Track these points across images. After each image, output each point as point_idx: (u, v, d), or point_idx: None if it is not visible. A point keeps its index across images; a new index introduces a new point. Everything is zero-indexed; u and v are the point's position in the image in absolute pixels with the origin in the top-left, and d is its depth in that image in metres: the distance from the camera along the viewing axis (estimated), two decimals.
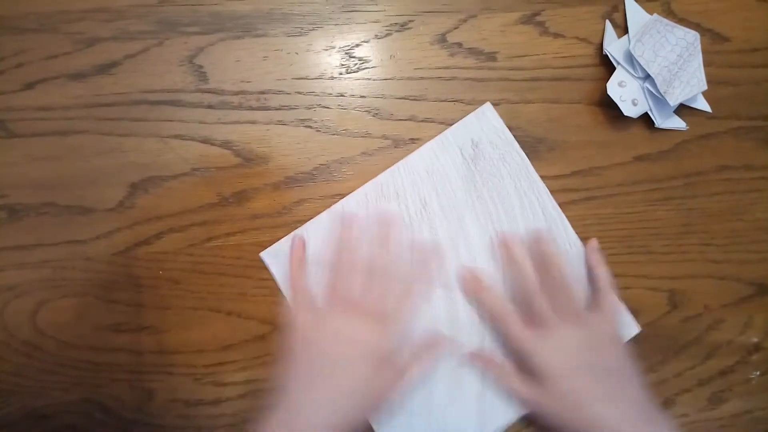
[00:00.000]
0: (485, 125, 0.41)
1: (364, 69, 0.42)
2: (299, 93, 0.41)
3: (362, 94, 0.42)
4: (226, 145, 0.40)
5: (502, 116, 0.42)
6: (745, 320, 0.44)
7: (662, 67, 0.41)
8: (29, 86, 0.40)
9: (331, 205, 0.40)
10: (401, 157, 0.41)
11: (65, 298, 0.39)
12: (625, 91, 0.42)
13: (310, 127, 0.41)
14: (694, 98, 0.43)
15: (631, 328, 0.41)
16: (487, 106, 0.42)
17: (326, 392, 0.34)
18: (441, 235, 0.40)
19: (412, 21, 0.42)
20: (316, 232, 0.40)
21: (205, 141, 0.40)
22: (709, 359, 0.43)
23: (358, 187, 0.41)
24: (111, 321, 0.39)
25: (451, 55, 0.42)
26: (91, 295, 0.39)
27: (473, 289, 0.40)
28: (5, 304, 0.39)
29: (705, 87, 0.42)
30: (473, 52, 0.43)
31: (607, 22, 0.44)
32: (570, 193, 0.42)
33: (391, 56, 0.42)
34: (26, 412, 0.38)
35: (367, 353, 0.35)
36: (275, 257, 0.40)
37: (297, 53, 0.42)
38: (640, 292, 0.42)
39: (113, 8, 0.40)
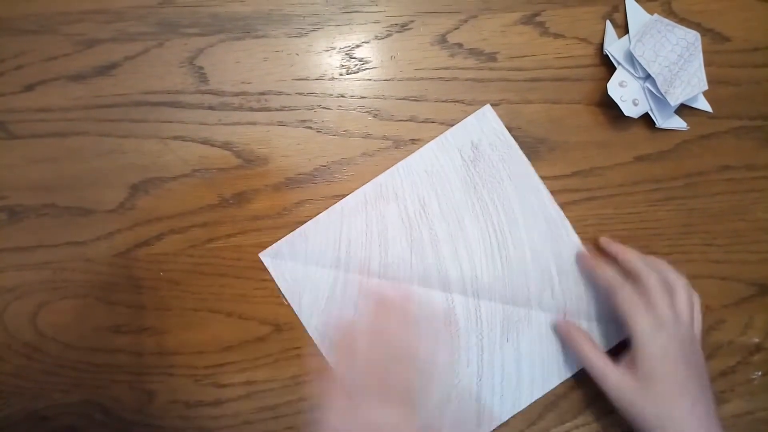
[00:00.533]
0: (485, 127, 0.41)
1: (364, 70, 0.42)
2: (300, 94, 0.41)
3: (363, 95, 0.42)
4: (226, 146, 0.40)
5: (502, 117, 0.42)
6: (746, 321, 0.44)
7: (663, 67, 0.41)
8: (29, 88, 0.40)
9: (331, 206, 0.40)
10: (402, 158, 0.41)
11: (65, 300, 0.39)
12: (625, 92, 0.42)
13: (310, 128, 0.41)
14: (694, 98, 0.43)
15: None
16: (487, 108, 0.42)
17: None
18: (440, 237, 0.40)
19: (412, 22, 0.42)
20: (316, 233, 0.40)
21: (206, 142, 0.40)
22: (710, 360, 0.43)
23: (359, 187, 0.41)
24: (111, 322, 0.39)
25: (452, 55, 0.42)
26: (91, 297, 0.39)
27: (589, 266, 0.40)
28: (5, 305, 0.39)
29: (706, 87, 0.42)
30: (473, 52, 0.43)
31: (608, 22, 0.44)
32: (571, 194, 0.42)
33: (391, 57, 0.42)
34: (26, 414, 0.38)
35: None
36: (274, 258, 0.40)
37: (297, 54, 0.42)
38: None
39: (113, 10, 0.40)
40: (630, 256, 0.39)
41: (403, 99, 0.42)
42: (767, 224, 0.44)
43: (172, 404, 0.39)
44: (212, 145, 0.40)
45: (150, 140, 0.40)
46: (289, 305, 0.40)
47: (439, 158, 0.41)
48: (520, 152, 0.42)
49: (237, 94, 0.41)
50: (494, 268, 0.40)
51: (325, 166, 0.41)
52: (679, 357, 0.36)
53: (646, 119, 0.43)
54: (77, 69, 0.40)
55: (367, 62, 0.42)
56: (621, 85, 0.42)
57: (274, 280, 0.40)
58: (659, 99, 0.41)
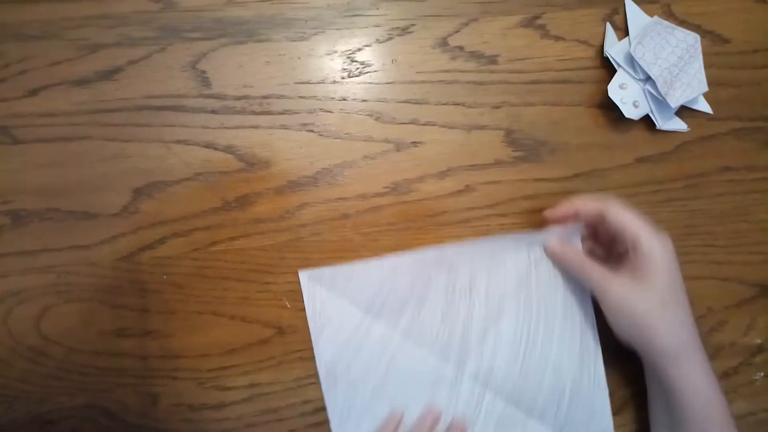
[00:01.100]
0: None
1: (366, 73, 0.42)
2: (302, 97, 0.41)
3: (364, 98, 0.42)
4: (229, 149, 0.41)
5: (503, 119, 0.43)
6: (748, 322, 0.44)
7: (663, 69, 0.41)
8: (33, 93, 0.40)
9: (334, 209, 0.41)
10: (403, 161, 0.42)
11: (69, 304, 0.39)
12: (626, 94, 0.42)
13: (312, 131, 0.41)
14: (695, 100, 0.43)
15: None
16: (576, 234, 0.39)
17: None
18: (475, 319, 0.40)
19: (413, 25, 0.43)
20: (362, 274, 0.40)
21: (208, 146, 0.41)
22: (712, 361, 0.42)
23: (361, 190, 0.41)
24: (115, 326, 0.39)
25: (453, 58, 0.43)
26: (95, 300, 0.39)
27: (566, 211, 0.38)
28: (9, 309, 0.39)
29: (706, 88, 0.42)
30: (474, 55, 0.43)
31: (608, 24, 0.44)
32: (572, 196, 0.42)
33: (392, 60, 0.42)
34: (31, 418, 0.38)
35: None
36: (312, 280, 0.40)
37: (299, 58, 0.42)
38: None
39: (116, 14, 0.41)
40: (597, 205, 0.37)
41: (405, 102, 0.42)
42: None
43: (176, 407, 0.39)
44: (215, 149, 0.41)
45: (153, 144, 0.40)
46: (288, 307, 0.40)
47: (507, 248, 0.40)
48: (584, 276, 0.39)
49: (239, 98, 0.41)
50: (513, 367, 0.39)
51: (327, 169, 0.41)
52: (677, 270, 0.35)
53: (647, 121, 0.43)
54: (80, 74, 0.40)
55: (368, 65, 0.42)
56: (621, 87, 0.42)
57: (302, 301, 0.40)
58: (660, 101, 0.42)
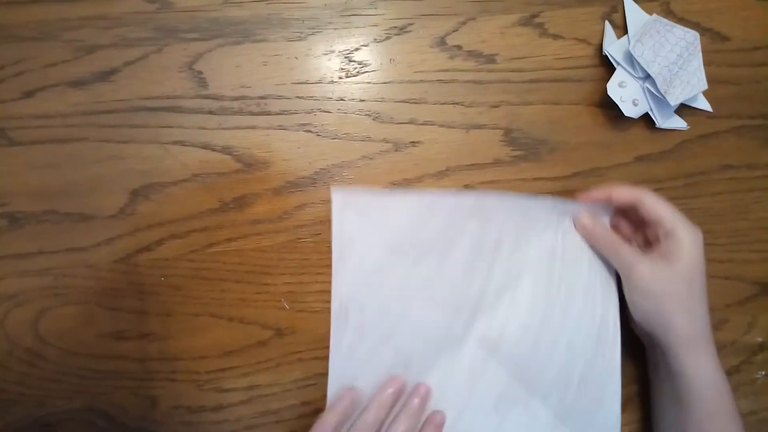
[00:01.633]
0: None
1: (363, 73, 0.42)
2: (299, 98, 0.41)
3: (362, 98, 0.42)
4: (226, 150, 0.40)
5: (502, 118, 0.42)
6: (749, 320, 0.43)
7: (662, 67, 0.41)
8: (29, 94, 0.40)
9: (332, 211, 0.40)
10: (402, 161, 0.41)
11: (67, 306, 0.39)
12: (625, 92, 0.42)
13: (310, 131, 0.41)
14: (694, 98, 0.43)
15: None
16: (606, 212, 0.39)
17: None
18: (494, 280, 0.38)
19: (411, 24, 0.42)
20: (396, 208, 0.37)
21: (206, 147, 0.40)
22: None
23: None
24: (113, 328, 0.39)
25: (451, 57, 0.42)
26: (92, 303, 0.39)
27: (603, 195, 0.38)
28: (6, 312, 0.39)
29: (705, 86, 0.42)
30: (473, 54, 0.43)
31: (607, 22, 0.44)
32: (572, 195, 0.42)
33: (390, 60, 0.42)
34: (29, 422, 0.38)
35: None
36: (344, 202, 0.37)
37: (296, 58, 0.42)
38: None
39: (112, 15, 0.40)
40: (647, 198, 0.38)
41: (403, 102, 0.42)
42: None
43: (174, 410, 0.39)
44: (212, 150, 0.40)
45: (150, 145, 0.40)
46: (287, 308, 0.40)
47: (539, 212, 0.39)
48: (611, 253, 0.38)
49: (236, 99, 0.41)
50: (524, 336, 0.38)
51: (325, 169, 0.41)
52: (703, 263, 0.37)
53: (646, 119, 0.43)
54: (77, 75, 0.40)
55: (366, 65, 0.42)
56: (621, 85, 0.42)
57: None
58: (659, 99, 0.41)
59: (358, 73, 0.42)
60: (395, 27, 0.42)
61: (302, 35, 0.42)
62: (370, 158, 0.41)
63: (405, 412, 0.36)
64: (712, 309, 0.43)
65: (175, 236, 0.40)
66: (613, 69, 0.42)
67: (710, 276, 0.43)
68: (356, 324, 0.37)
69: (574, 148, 0.43)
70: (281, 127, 0.41)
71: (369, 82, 0.42)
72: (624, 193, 0.37)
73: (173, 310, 0.39)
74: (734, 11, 0.45)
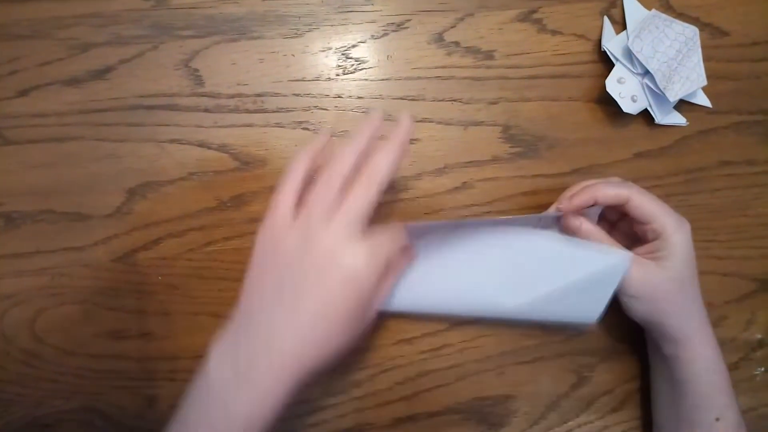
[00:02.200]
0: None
1: (361, 70, 0.42)
2: (296, 95, 0.41)
3: (359, 95, 0.41)
4: (223, 148, 0.40)
5: (500, 115, 0.42)
6: (748, 317, 0.43)
7: (661, 63, 0.41)
8: (24, 93, 0.39)
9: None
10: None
11: (64, 306, 0.39)
12: (624, 88, 0.41)
13: (307, 129, 0.41)
14: (693, 93, 0.43)
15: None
16: (595, 213, 0.39)
17: (293, 312, 0.29)
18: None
19: (408, 21, 0.42)
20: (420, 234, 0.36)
21: (202, 145, 0.40)
22: None
23: None
24: (110, 328, 0.39)
25: (449, 54, 0.42)
26: (90, 302, 0.39)
27: (585, 198, 0.37)
28: (3, 312, 0.39)
29: (705, 82, 0.41)
30: (471, 50, 0.42)
31: (605, 18, 0.43)
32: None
33: (388, 56, 0.42)
34: (27, 422, 0.38)
35: (342, 264, 0.29)
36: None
37: (293, 55, 0.41)
38: None
39: (107, 13, 0.40)
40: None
41: (401, 98, 0.42)
42: None
43: (173, 409, 0.38)
44: (209, 148, 0.40)
45: (146, 144, 0.40)
46: None
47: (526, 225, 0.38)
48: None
49: (233, 96, 0.40)
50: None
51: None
52: (693, 255, 0.37)
53: (645, 115, 0.43)
54: (72, 73, 0.40)
55: (363, 62, 0.42)
56: (619, 81, 0.41)
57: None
58: (658, 95, 0.41)
59: (356, 70, 0.42)
60: (392, 23, 0.42)
61: (299, 32, 0.41)
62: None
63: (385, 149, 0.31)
64: (712, 306, 0.43)
65: (173, 235, 0.40)
66: (612, 65, 0.42)
67: (709, 272, 0.43)
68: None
69: (572, 144, 0.43)
70: (278, 125, 0.41)
71: (366, 79, 0.42)
72: (610, 194, 0.37)
73: (171, 309, 0.39)
74: (734, 6, 0.45)
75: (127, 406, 0.39)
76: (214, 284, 0.40)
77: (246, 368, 0.29)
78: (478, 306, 0.38)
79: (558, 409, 0.41)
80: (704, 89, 0.43)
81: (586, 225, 0.38)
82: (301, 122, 0.41)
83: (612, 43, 0.42)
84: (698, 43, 0.42)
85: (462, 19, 0.43)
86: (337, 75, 0.41)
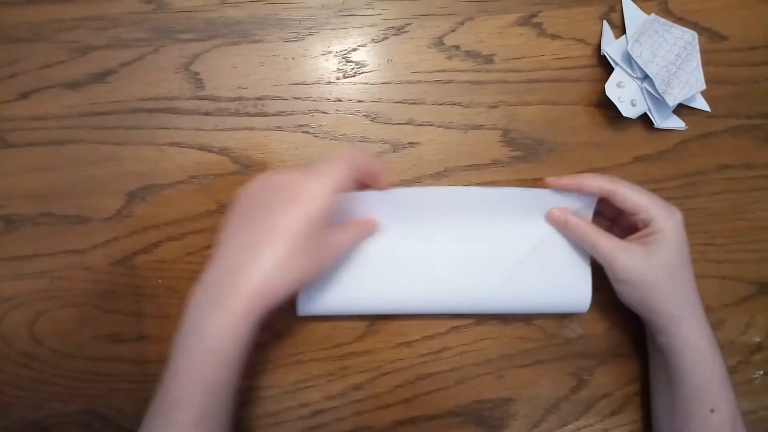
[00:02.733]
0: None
1: (361, 73, 0.42)
2: (296, 98, 0.41)
3: (360, 99, 0.42)
4: (223, 152, 0.40)
5: (500, 119, 0.42)
6: (746, 320, 0.43)
7: (660, 67, 0.41)
8: (24, 96, 0.39)
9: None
10: (400, 162, 0.41)
11: (63, 309, 0.39)
12: (623, 92, 0.42)
13: (307, 132, 0.41)
14: (692, 98, 0.43)
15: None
16: (590, 206, 0.39)
17: (257, 239, 0.31)
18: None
19: (408, 24, 0.42)
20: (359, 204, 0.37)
21: (202, 148, 0.40)
22: None
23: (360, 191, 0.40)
24: (110, 331, 0.39)
25: (449, 58, 0.42)
26: (89, 305, 0.39)
27: (574, 184, 0.38)
28: (3, 315, 0.38)
29: (704, 86, 0.42)
30: (470, 54, 0.42)
31: (605, 22, 0.44)
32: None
33: (388, 60, 0.42)
34: (26, 424, 0.38)
35: (306, 209, 0.31)
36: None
37: (294, 58, 0.41)
38: None
39: (107, 16, 0.40)
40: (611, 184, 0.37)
41: (401, 102, 0.42)
42: (767, 223, 0.44)
43: None
44: (209, 151, 0.40)
45: (146, 147, 0.40)
46: (284, 310, 0.40)
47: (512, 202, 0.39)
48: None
49: (233, 100, 0.41)
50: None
51: None
52: (686, 242, 0.37)
53: (645, 119, 0.43)
54: (72, 76, 0.40)
55: (363, 66, 0.42)
56: (619, 85, 0.42)
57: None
58: (657, 99, 0.41)
59: (356, 73, 0.42)
60: (393, 27, 0.42)
61: (299, 36, 0.41)
62: None
63: None
64: (710, 309, 0.43)
65: (172, 238, 0.40)
66: (611, 69, 0.42)
67: (708, 276, 0.43)
68: None
69: (572, 148, 0.43)
70: (278, 128, 0.41)
71: (366, 83, 0.42)
72: (595, 184, 0.37)
73: (170, 312, 0.39)
74: (732, 11, 0.45)
75: (125, 409, 0.39)
76: None
77: (217, 295, 0.30)
78: (457, 294, 0.39)
79: (557, 412, 0.42)
80: (703, 93, 0.43)
81: (572, 218, 0.38)
82: (301, 125, 0.41)
83: (611, 47, 0.43)
84: (697, 47, 0.43)
85: (462, 23, 0.43)
86: (338, 78, 0.42)
